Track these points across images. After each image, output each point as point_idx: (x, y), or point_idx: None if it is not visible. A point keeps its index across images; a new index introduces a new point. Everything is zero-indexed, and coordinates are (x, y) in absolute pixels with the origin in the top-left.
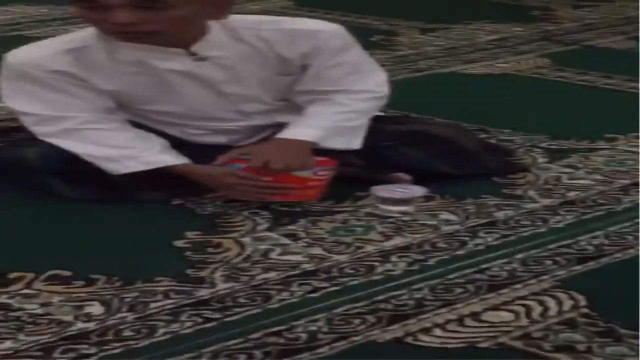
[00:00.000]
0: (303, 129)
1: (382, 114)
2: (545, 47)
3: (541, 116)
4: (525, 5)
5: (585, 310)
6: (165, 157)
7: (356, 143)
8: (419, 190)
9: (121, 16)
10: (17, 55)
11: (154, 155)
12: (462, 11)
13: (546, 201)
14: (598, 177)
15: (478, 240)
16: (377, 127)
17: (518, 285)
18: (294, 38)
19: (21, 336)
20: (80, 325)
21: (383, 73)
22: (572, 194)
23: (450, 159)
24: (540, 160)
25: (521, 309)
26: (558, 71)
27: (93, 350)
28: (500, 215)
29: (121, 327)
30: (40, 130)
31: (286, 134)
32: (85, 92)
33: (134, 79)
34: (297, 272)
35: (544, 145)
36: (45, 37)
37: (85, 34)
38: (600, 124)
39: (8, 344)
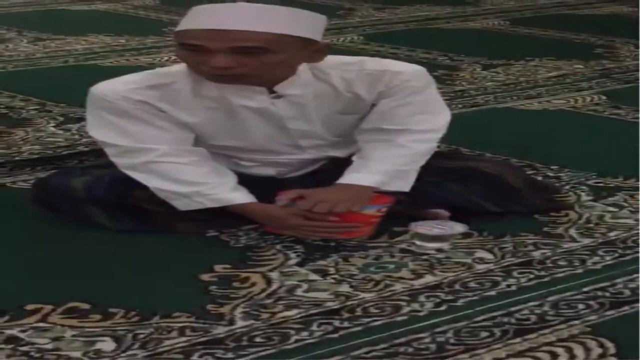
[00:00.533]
0: (365, 174)
1: None
2: (603, 84)
3: (591, 153)
4: (589, 42)
5: (613, 359)
6: (236, 196)
7: (410, 184)
8: (458, 227)
9: (220, 60)
10: (103, 87)
11: (225, 193)
12: (525, 48)
13: (586, 241)
14: None
15: (511, 281)
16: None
17: (546, 331)
18: (375, 79)
19: None
20: None
21: (448, 113)
22: (613, 234)
23: (493, 196)
24: (585, 198)
25: (546, 357)
26: (613, 108)
27: None
28: (537, 254)
29: None
30: (120, 162)
31: (348, 179)
32: (166, 123)
33: (210, 113)
34: (319, 310)
35: (590, 182)
36: (118, 67)
37: (171, 71)
38: None
39: None
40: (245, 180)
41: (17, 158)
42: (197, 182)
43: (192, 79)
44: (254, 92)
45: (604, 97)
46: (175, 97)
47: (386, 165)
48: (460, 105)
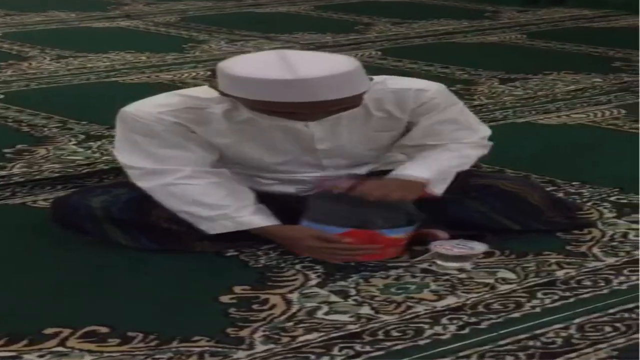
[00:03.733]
0: (417, 168)
1: None
2: (622, 98)
3: (612, 168)
4: (607, 55)
5: None
6: (256, 219)
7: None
8: (479, 247)
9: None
10: (135, 108)
11: (247, 215)
12: (543, 61)
13: (610, 260)
14: None
15: (535, 302)
16: None
17: (573, 355)
18: (401, 97)
19: None
20: None
21: (488, 129)
22: (637, 252)
23: (513, 214)
24: (608, 215)
25: None
26: (633, 122)
27: None
28: (560, 274)
29: None
30: (143, 185)
31: (400, 171)
32: (194, 145)
33: (241, 134)
34: (340, 334)
35: (612, 199)
36: (139, 84)
37: (203, 96)
38: None
39: None
40: (265, 197)
41: (37, 177)
42: (218, 204)
43: (225, 104)
44: None
45: (623, 111)
46: (208, 119)
47: (439, 165)
48: (480, 120)
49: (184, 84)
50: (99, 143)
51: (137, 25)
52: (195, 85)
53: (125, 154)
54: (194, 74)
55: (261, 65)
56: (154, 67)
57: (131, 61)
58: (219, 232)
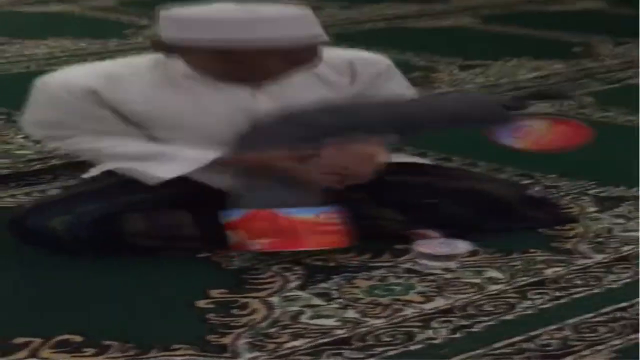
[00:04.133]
0: None
1: (429, 162)
2: (588, 85)
3: (587, 160)
4: (565, 40)
5: None
6: (204, 154)
7: None
8: (462, 246)
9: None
10: (49, 75)
11: (192, 153)
12: (501, 47)
13: (598, 257)
14: None
15: (527, 303)
16: (421, 181)
17: (570, 358)
18: (348, 65)
19: None
20: None
21: None
22: (626, 249)
23: (494, 215)
24: (590, 209)
25: None
26: (602, 111)
27: None
28: (549, 272)
29: None
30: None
31: None
32: (104, 112)
33: (173, 102)
34: (328, 339)
35: (592, 192)
36: None
37: (133, 62)
38: None
39: None
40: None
41: None
42: (156, 150)
43: (158, 71)
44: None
45: (589, 99)
46: (131, 85)
47: None
48: None
49: None
50: None
51: (73, 10)
52: None
53: (29, 124)
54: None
55: (215, 8)
56: (96, 55)
57: (70, 48)
58: (172, 175)
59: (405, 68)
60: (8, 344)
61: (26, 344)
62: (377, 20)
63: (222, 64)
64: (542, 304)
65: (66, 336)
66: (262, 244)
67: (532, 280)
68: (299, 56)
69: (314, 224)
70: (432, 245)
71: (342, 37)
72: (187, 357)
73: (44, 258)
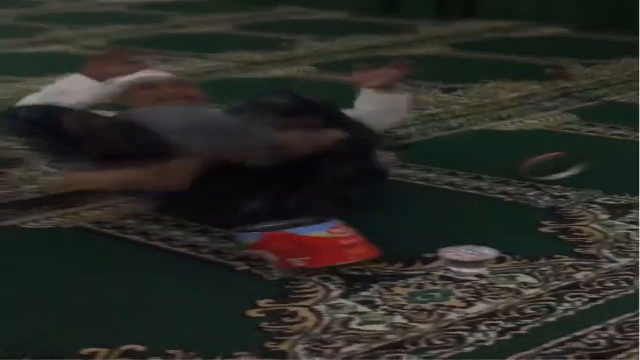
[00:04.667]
0: None
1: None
2: (568, 104)
3: (588, 171)
4: (537, 64)
5: None
6: None
7: None
8: (488, 252)
9: None
10: None
11: None
12: (476, 71)
13: (624, 260)
14: None
15: (566, 306)
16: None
17: (622, 355)
18: None
19: None
20: None
21: None
22: None
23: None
24: (603, 217)
25: None
26: (589, 126)
27: None
28: (580, 276)
29: None
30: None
31: None
32: None
33: None
34: (382, 344)
35: (600, 201)
36: None
37: None
38: None
39: None
40: None
41: (21, 199)
42: None
43: None
44: None
45: (574, 116)
46: None
47: None
48: (437, 129)
49: None
50: None
51: (67, 50)
52: None
53: None
54: None
55: None
56: None
57: None
58: None
59: None
60: (76, 355)
61: (93, 355)
62: (353, 51)
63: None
64: (581, 306)
65: (131, 346)
66: (304, 261)
67: (565, 284)
68: None
69: (333, 239)
70: (459, 252)
71: (325, 67)
72: None
73: (105, 272)
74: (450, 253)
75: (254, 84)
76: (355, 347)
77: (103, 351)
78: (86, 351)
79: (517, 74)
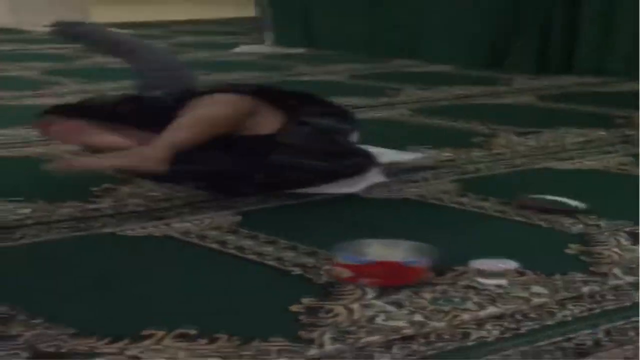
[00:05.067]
0: None
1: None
2: (627, 149)
3: (626, 206)
4: (610, 115)
5: None
6: None
7: None
8: (513, 263)
9: None
10: None
11: None
12: (553, 119)
13: (630, 278)
14: None
15: (566, 312)
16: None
17: (603, 353)
18: None
19: None
20: None
21: None
22: None
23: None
24: (624, 242)
25: None
26: None
27: None
28: (586, 289)
29: None
30: None
31: None
32: None
33: None
34: (397, 336)
35: (627, 229)
36: None
37: None
38: None
39: None
40: None
41: (123, 210)
42: None
43: None
44: None
45: (630, 158)
46: None
47: None
48: (502, 167)
49: None
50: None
51: None
52: None
53: None
54: None
55: None
56: None
57: None
58: None
59: (470, 134)
60: (138, 335)
61: (151, 335)
62: (450, 99)
63: None
64: (579, 313)
65: (184, 329)
66: (371, 282)
67: (571, 295)
68: None
69: (418, 268)
70: (486, 263)
71: (420, 111)
72: (281, 346)
73: (181, 272)
74: (477, 264)
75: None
76: (374, 338)
77: (160, 333)
78: (147, 332)
79: (589, 123)
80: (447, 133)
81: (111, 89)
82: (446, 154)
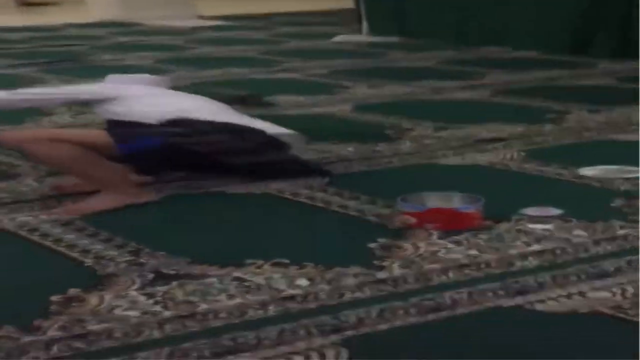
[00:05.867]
0: None
1: None
2: None
3: None
4: None
5: None
6: None
7: None
8: (556, 211)
9: None
10: None
11: None
12: (625, 97)
13: None
14: None
15: (599, 249)
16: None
17: (621, 277)
18: None
19: (248, 296)
20: (290, 291)
21: None
22: None
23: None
24: None
25: (618, 291)
26: None
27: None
28: (621, 232)
29: (320, 293)
30: None
31: None
32: None
33: None
34: (454, 265)
35: None
36: None
37: None
38: None
39: (237, 300)
40: None
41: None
42: None
43: None
44: None
45: None
46: None
47: None
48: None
49: None
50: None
51: (295, 77)
52: None
53: None
54: None
55: None
56: None
57: None
58: None
59: (540, 112)
60: (242, 263)
61: (253, 263)
62: (531, 81)
63: None
64: (611, 249)
65: (279, 259)
66: (434, 227)
67: (606, 236)
68: None
69: (471, 213)
70: (536, 210)
71: (497, 92)
72: (357, 270)
73: (278, 220)
74: (527, 211)
75: (440, 103)
76: (434, 265)
77: (259, 262)
78: (249, 261)
79: None
80: (522, 111)
81: (217, 75)
82: (519, 128)
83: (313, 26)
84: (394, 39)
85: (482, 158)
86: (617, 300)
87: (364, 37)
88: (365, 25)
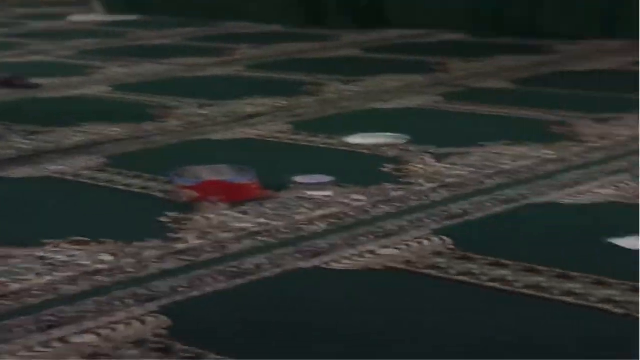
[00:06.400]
0: None
1: None
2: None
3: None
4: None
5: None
6: None
7: None
8: (327, 178)
9: None
10: None
11: None
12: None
13: (429, 185)
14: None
15: (378, 211)
16: None
17: (406, 235)
18: None
19: (56, 274)
20: (97, 266)
21: None
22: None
23: None
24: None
25: (405, 247)
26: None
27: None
28: (395, 194)
29: (126, 267)
30: None
31: None
32: None
33: None
34: (245, 233)
35: (432, 150)
36: None
37: None
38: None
39: (47, 278)
40: None
41: None
42: None
43: None
44: None
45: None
46: None
47: None
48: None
49: None
50: None
51: (44, 59)
52: None
53: None
54: None
55: None
56: None
57: None
58: None
59: (294, 85)
60: (41, 242)
61: (51, 243)
62: (281, 54)
63: None
64: (390, 211)
65: (76, 238)
66: (218, 199)
67: (384, 199)
68: None
69: (248, 184)
70: (309, 178)
71: (252, 67)
72: (156, 244)
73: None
74: (299, 179)
75: (197, 80)
76: (228, 234)
77: (57, 241)
78: (47, 241)
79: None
80: (279, 84)
81: None
82: (281, 102)
83: (43, 7)
84: (132, 17)
85: (251, 132)
86: (405, 256)
87: (100, 16)
88: (96, 3)
